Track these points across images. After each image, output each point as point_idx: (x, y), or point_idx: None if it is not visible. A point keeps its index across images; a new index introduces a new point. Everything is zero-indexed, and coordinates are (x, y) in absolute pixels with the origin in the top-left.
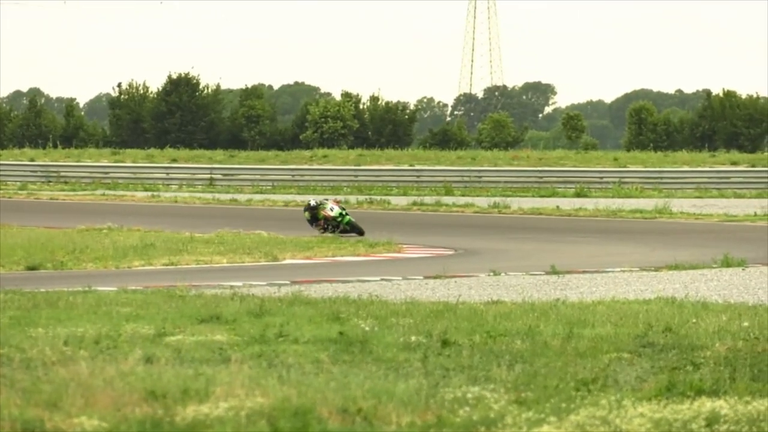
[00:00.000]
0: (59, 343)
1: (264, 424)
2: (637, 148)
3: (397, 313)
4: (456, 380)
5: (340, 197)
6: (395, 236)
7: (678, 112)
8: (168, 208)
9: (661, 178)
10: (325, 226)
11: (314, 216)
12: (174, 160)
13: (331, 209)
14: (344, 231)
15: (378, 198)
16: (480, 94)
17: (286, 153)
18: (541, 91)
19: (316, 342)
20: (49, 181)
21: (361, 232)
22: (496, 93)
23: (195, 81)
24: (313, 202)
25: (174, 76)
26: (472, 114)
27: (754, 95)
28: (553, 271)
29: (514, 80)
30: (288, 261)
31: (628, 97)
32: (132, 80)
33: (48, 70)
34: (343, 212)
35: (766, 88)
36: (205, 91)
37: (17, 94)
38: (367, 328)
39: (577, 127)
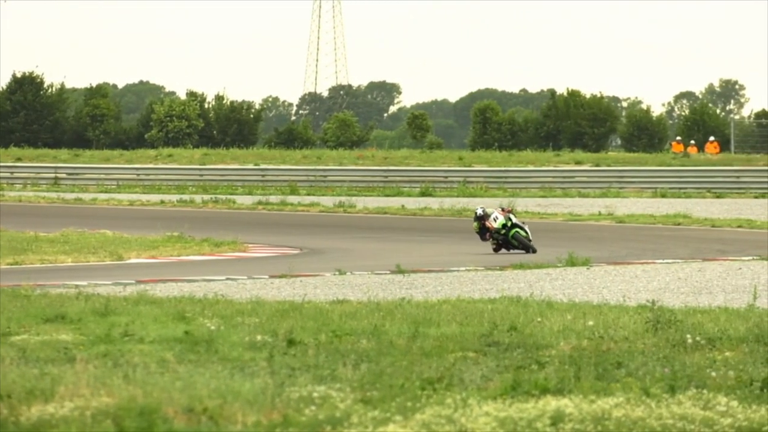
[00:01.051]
0: None
1: (109, 423)
2: (482, 148)
3: (243, 312)
4: (302, 379)
5: (505, 205)
6: (241, 235)
7: (522, 111)
8: (12, 207)
9: (506, 177)
10: (494, 239)
11: (483, 227)
12: (18, 159)
13: (495, 219)
14: (511, 246)
15: (223, 197)
16: (325, 94)
17: (131, 152)
18: (386, 90)
19: (161, 341)
20: None
21: (530, 250)
22: (341, 92)
23: (39, 80)
24: (480, 211)
25: (18, 75)
26: (317, 113)
27: (598, 95)
28: (399, 270)
29: (359, 79)
30: (133, 260)
31: (472, 97)
32: None
33: None
34: (509, 222)
35: (610, 88)
36: (50, 90)
37: None
38: (212, 328)
39: (422, 127)
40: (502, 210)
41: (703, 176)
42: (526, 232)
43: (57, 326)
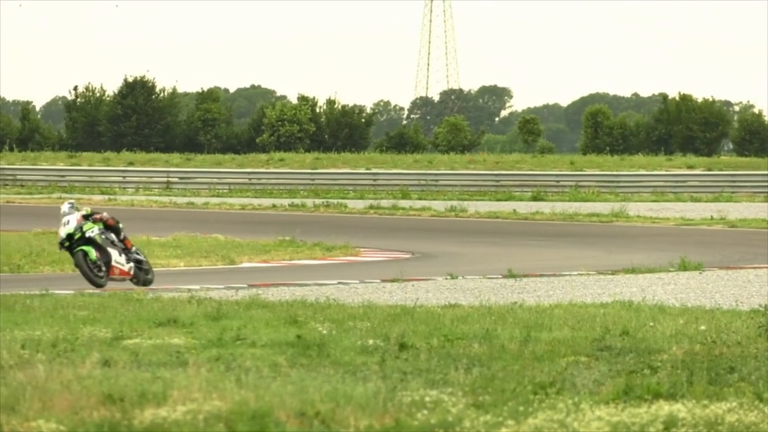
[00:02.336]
0: (16, 346)
1: (222, 427)
2: (594, 152)
3: (355, 316)
4: (413, 384)
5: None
6: (352, 240)
7: (634, 115)
8: (124, 211)
9: (618, 181)
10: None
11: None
12: (130, 164)
13: (66, 223)
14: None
15: (335, 201)
16: (436, 98)
17: (243, 156)
18: (498, 94)
19: (273, 345)
20: (5, 185)
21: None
22: (453, 96)
23: (151, 84)
24: (66, 207)
25: (130, 79)
26: (428, 117)
27: (710, 99)
28: (511, 275)
29: (470, 84)
30: (245, 264)
31: (584, 101)
32: (88, 83)
33: (4, 73)
34: (81, 234)
35: (721, 92)
36: (161, 95)
37: None
38: (324, 332)
39: (534, 131)
40: (86, 216)
41: None
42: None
43: (169, 330)
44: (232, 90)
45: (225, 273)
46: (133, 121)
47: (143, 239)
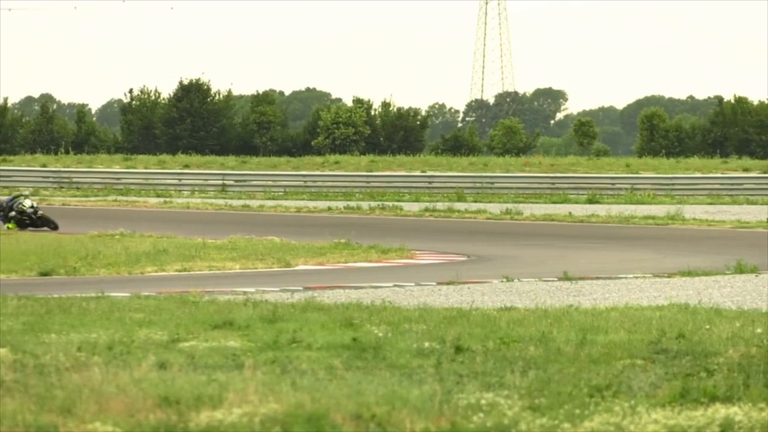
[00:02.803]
0: (72, 348)
1: (277, 430)
2: (649, 155)
3: (411, 319)
4: (470, 386)
5: None
6: (408, 242)
7: (689, 118)
8: (180, 214)
9: (674, 184)
10: None
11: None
12: (186, 166)
13: None
14: None
15: (390, 204)
16: (491, 100)
17: (298, 159)
18: (553, 97)
19: (329, 348)
20: (61, 187)
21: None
22: (508, 99)
23: (206, 87)
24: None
25: (185, 82)
26: (483, 120)
27: (766, 101)
28: (566, 278)
29: (525, 86)
30: (301, 267)
31: (639, 104)
32: (144, 86)
33: (59, 76)
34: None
35: None
36: (217, 97)
37: (29, 100)
38: (380, 334)
39: (589, 134)
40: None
41: None
42: None
43: (225, 333)
44: (287, 93)
45: (280, 275)
46: (188, 123)
47: (199, 242)
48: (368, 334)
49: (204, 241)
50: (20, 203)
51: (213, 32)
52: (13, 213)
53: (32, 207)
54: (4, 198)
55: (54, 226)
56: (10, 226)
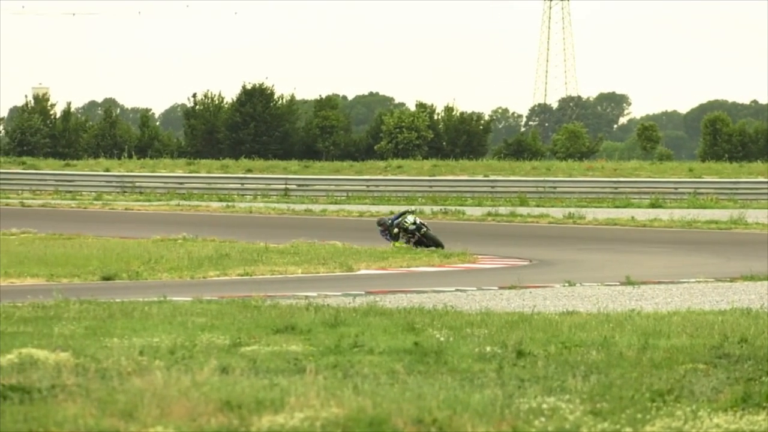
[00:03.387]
0: (134, 353)
1: None
2: (712, 159)
3: (472, 323)
4: (531, 391)
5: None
6: (470, 247)
7: (753, 122)
8: (243, 218)
9: (737, 188)
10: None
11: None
12: (249, 171)
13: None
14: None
15: (453, 209)
16: (554, 105)
17: (361, 163)
18: (616, 101)
19: (391, 352)
20: (124, 192)
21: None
22: (571, 103)
23: (269, 91)
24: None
25: (248, 87)
26: (546, 124)
27: None
28: (628, 282)
29: (588, 90)
30: (363, 271)
31: (702, 108)
32: (207, 90)
33: (123, 81)
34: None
35: None
36: (280, 102)
37: (92, 105)
38: (442, 339)
39: (652, 138)
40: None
41: None
42: None
43: (287, 337)
44: (350, 97)
45: (343, 280)
46: (251, 128)
47: (261, 246)
48: (430, 339)
49: (266, 245)
50: (404, 221)
51: (276, 36)
52: (396, 230)
53: (415, 224)
54: (390, 216)
55: (439, 245)
56: (397, 244)
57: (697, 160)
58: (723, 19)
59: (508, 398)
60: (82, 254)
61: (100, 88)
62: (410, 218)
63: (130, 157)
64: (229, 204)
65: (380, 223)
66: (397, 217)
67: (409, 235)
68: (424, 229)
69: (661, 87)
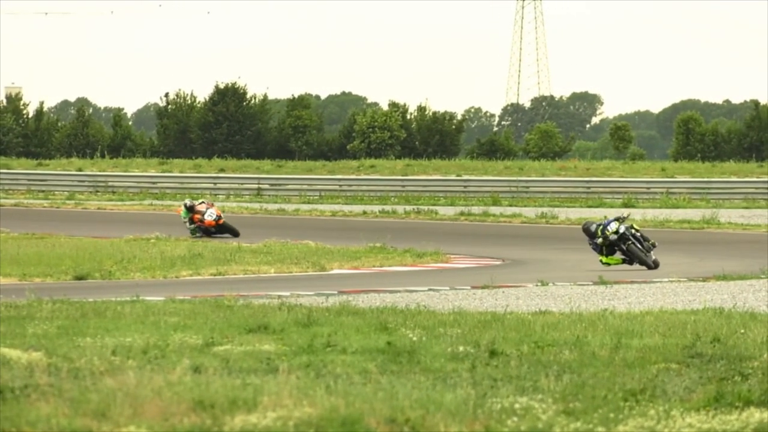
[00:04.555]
0: (107, 352)
1: None
2: (685, 159)
3: (445, 323)
4: (504, 390)
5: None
6: (443, 246)
7: (726, 122)
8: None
9: (709, 188)
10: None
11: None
12: (221, 170)
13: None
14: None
15: (425, 208)
16: (527, 104)
17: (334, 163)
18: (588, 101)
19: (363, 352)
20: (97, 191)
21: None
22: (544, 103)
23: (242, 91)
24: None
25: (221, 86)
26: (519, 124)
27: None
28: (601, 282)
29: (561, 90)
30: (335, 271)
31: (675, 108)
32: (179, 90)
33: (95, 80)
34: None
35: None
36: (252, 101)
37: (65, 104)
38: (414, 338)
39: (625, 138)
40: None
41: None
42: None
43: (260, 336)
44: (323, 97)
45: (315, 279)
46: (224, 127)
47: (234, 246)
48: (403, 338)
49: (239, 245)
50: (608, 229)
51: (249, 36)
52: (601, 240)
53: (617, 233)
54: (600, 222)
55: (235, 234)
56: (605, 260)
57: (670, 159)
58: (696, 19)
59: (481, 398)
60: (55, 254)
61: (73, 88)
62: (613, 225)
63: (102, 156)
64: None
65: (585, 231)
66: (607, 224)
67: (615, 247)
68: (630, 242)
69: (634, 86)
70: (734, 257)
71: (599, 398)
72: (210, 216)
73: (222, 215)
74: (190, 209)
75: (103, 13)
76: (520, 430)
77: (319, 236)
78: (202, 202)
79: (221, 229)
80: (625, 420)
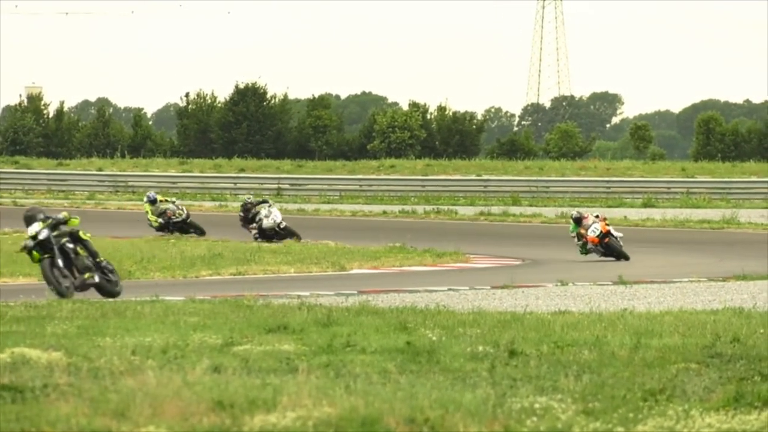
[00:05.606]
0: (127, 352)
1: None
2: (705, 159)
3: (465, 323)
4: (523, 390)
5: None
6: (463, 246)
7: (746, 122)
8: (236, 218)
9: (729, 188)
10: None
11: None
12: (242, 170)
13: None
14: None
15: (445, 208)
16: (547, 104)
17: (354, 163)
18: (609, 101)
19: (383, 352)
20: (117, 191)
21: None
22: (564, 103)
23: (262, 90)
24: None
25: (241, 86)
26: (539, 124)
27: None
28: (621, 282)
29: (581, 90)
30: (355, 271)
31: (695, 108)
32: (199, 90)
33: (116, 80)
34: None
35: None
36: (273, 101)
37: (85, 104)
38: (434, 338)
39: (645, 138)
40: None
41: None
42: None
43: (279, 336)
44: (343, 96)
45: (335, 279)
46: (244, 127)
47: (254, 245)
48: (422, 338)
49: (259, 245)
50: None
51: (269, 36)
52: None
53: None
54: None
55: (201, 232)
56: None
57: (690, 159)
58: (716, 19)
59: (500, 398)
60: None
61: (93, 88)
62: (596, 228)
63: (122, 156)
64: (222, 203)
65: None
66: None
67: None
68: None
69: (654, 86)
70: (754, 257)
71: (619, 398)
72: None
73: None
74: (153, 202)
75: (124, 13)
76: (539, 430)
77: (339, 236)
78: (168, 200)
79: (189, 226)
80: (644, 420)
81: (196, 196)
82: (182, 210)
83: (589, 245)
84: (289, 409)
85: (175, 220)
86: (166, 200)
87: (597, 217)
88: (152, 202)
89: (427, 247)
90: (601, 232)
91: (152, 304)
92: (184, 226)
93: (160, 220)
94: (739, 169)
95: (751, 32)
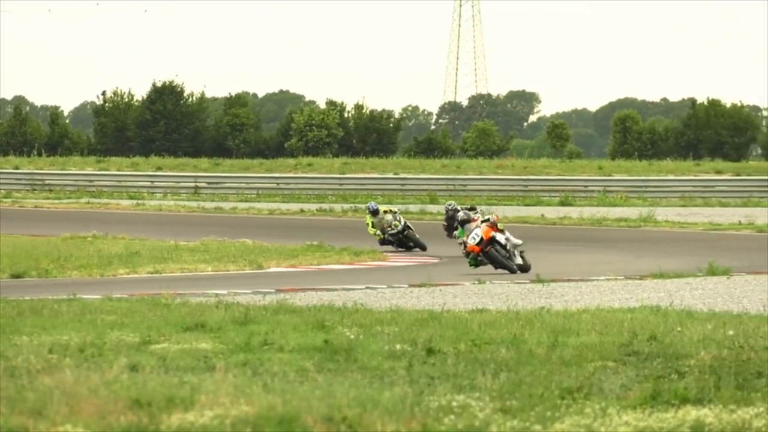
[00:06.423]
0: (44, 351)
1: None
2: (622, 157)
3: (382, 321)
4: (441, 389)
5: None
6: (380, 245)
7: (663, 120)
8: (153, 216)
9: (646, 186)
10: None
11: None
12: (159, 168)
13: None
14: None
15: (363, 206)
16: (465, 103)
17: (271, 161)
18: (526, 99)
19: (301, 350)
20: (34, 189)
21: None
22: (481, 101)
23: (179, 89)
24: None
25: (158, 84)
26: (456, 122)
27: (739, 104)
28: (538, 280)
29: (498, 88)
30: (273, 269)
31: (612, 106)
32: (117, 88)
33: (32, 78)
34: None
35: (750, 97)
36: (190, 99)
37: (1, 102)
38: (352, 337)
39: (562, 136)
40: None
41: None
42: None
43: (197, 335)
44: (260, 95)
45: (253, 278)
46: (161, 126)
47: (171, 244)
48: (340, 337)
49: (176, 243)
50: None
51: (187, 34)
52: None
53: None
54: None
55: (422, 248)
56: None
57: (607, 158)
58: (632, 17)
59: (418, 396)
60: None
61: (10, 86)
62: (478, 233)
63: (39, 154)
64: (139, 202)
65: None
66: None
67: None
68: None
69: (571, 85)
70: (671, 255)
71: (536, 396)
72: None
73: None
74: (375, 213)
75: (41, 11)
76: (457, 428)
77: (257, 234)
78: (390, 211)
79: (408, 239)
80: (561, 418)
81: (113, 194)
82: (399, 221)
83: (471, 254)
84: (206, 407)
85: (390, 232)
86: (390, 211)
87: (487, 220)
88: (374, 213)
89: (345, 245)
90: (482, 239)
91: (69, 303)
92: (404, 239)
93: (379, 233)
94: (655, 167)
95: (666, 31)
